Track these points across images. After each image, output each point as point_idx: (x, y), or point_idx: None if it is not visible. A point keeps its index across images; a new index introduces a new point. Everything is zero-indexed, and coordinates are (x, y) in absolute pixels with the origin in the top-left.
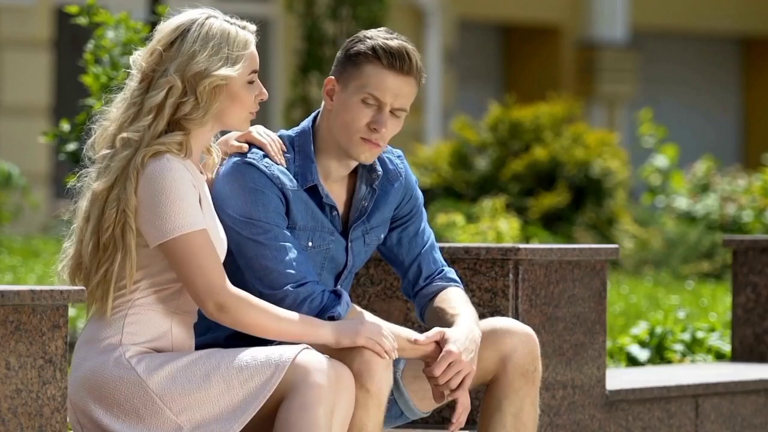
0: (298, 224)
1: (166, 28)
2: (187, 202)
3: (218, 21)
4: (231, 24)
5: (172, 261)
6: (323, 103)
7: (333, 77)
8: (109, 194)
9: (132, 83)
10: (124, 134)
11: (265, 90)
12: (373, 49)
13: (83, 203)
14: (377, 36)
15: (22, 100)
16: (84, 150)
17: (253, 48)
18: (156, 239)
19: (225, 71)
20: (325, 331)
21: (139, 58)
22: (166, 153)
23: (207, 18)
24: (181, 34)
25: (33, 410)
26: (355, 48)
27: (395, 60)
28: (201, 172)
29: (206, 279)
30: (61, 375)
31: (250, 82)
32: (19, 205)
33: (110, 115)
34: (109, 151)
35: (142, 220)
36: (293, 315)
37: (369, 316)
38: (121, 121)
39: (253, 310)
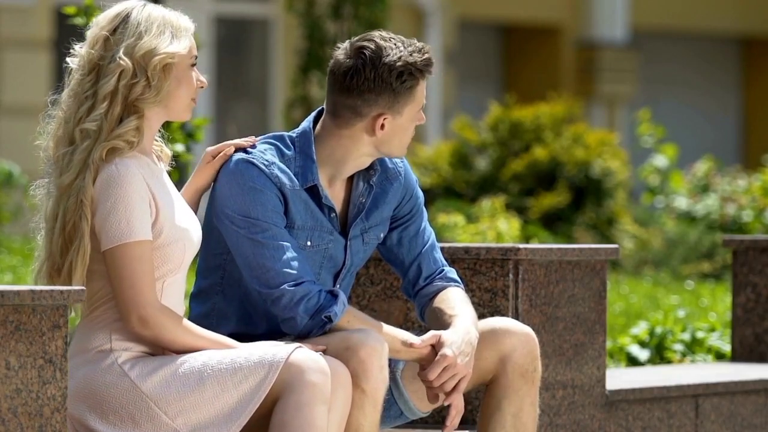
0: (297, 224)
1: (105, 17)
2: (131, 213)
3: (157, 8)
4: (169, 11)
5: (109, 268)
6: (349, 125)
7: (386, 114)
8: (72, 186)
9: (77, 76)
10: (83, 126)
11: (203, 77)
12: (420, 71)
13: (49, 205)
14: (405, 55)
15: (22, 100)
16: (42, 155)
17: (191, 34)
18: (102, 247)
19: (173, 48)
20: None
21: (81, 51)
22: (119, 153)
23: (145, 5)
24: (123, 19)
25: (33, 410)
26: (407, 81)
27: (432, 68)
28: (157, 161)
29: (135, 292)
30: (61, 375)
31: (192, 65)
32: (19, 205)
33: (63, 115)
34: (69, 148)
35: (96, 226)
36: (212, 336)
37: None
38: (79, 116)
39: (174, 327)
